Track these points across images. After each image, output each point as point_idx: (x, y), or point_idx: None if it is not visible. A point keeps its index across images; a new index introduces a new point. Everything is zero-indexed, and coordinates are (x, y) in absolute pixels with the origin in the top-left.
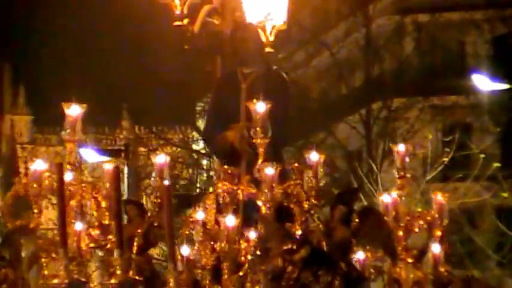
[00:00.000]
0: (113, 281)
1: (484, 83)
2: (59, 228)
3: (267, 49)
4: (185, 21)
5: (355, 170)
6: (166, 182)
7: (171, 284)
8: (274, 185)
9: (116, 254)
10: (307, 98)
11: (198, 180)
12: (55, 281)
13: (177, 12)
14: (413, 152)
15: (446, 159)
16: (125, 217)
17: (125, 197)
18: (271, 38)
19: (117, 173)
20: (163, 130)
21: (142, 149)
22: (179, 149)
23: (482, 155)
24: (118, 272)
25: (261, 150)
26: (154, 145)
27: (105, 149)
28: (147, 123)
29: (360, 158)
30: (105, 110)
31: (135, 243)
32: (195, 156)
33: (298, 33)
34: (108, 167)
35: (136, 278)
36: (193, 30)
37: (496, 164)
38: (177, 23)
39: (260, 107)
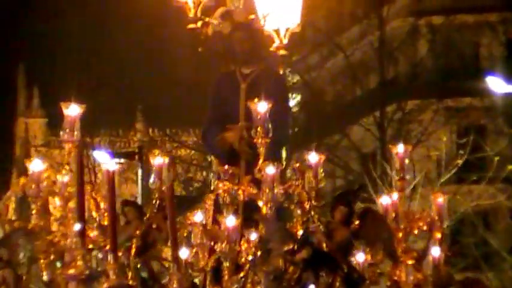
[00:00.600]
0: (105, 285)
1: (498, 84)
2: (77, 218)
3: (281, 52)
4: (199, 23)
5: (369, 172)
6: (168, 183)
7: (174, 285)
8: (275, 185)
9: (109, 258)
10: (321, 100)
11: (212, 182)
12: (71, 271)
13: (191, 14)
14: (427, 154)
15: (460, 161)
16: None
17: (139, 199)
18: (285, 41)
19: (112, 176)
20: (177, 132)
21: (156, 151)
22: (193, 152)
23: (497, 157)
24: (112, 276)
25: (261, 150)
26: (169, 147)
27: (119, 151)
28: (161, 126)
29: (374, 160)
30: (119, 112)
31: (133, 245)
32: (209, 159)
33: (313, 36)
34: (106, 167)
35: (130, 283)
36: (207, 33)
37: (511, 166)
38: (191, 25)
39: (261, 106)
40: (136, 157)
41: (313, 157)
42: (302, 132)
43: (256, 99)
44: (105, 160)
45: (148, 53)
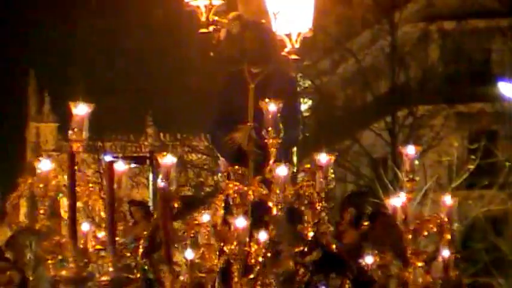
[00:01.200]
0: (104, 278)
1: (509, 90)
2: (69, 219)
3: (293, 56)
4: (210, 28)
5: (380, 177)
6: (162, 184)
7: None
8: (286, 185)
9: (108, 250)
10: (332, 105)
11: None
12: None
13: (203, 19)
14: (438, 159)
15: (471, 166)
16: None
17: (150, 204)
18: (297, 45)
19: (112, 168)
20: (188, 137)
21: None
22: (204, 156)
23: (508, 163)
24: (110, 269)
25: (272, 150)
26: (180, 152)
27: (130, 155)
28: (173, 131)
29: (385, 166)
30: (130, 117)
31: (140, 246)
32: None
33: (324, 41)
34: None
35: (129, 276)
36: (219, 37)
37: None
38: (203, 30)
39: (271, 107)
40: (148, 162)
41: (323, 158)
42: (313, 137)
43: (266, 100)
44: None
45: (159, 58)
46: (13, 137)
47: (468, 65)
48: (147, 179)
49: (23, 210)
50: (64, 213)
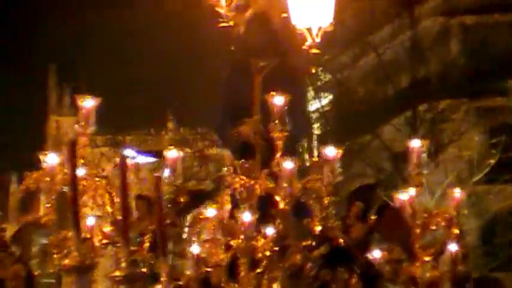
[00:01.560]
0: (117, 273)
1: None
2: (71, 209)
3: (313, 50)
4: (231, 22)
5: (400, 171)
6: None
7: (162, 279)
8: (293, 179)
9: (121, 245)
10: (352, 100)
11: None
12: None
13: (223, 12)
14: (459, 154)
15: (492, 161)
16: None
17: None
18: (318, 39)
19: (125, 163)
20: (208, 131)
21: (188, 150)
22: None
23: None
24: (123, 264)
25: (279, 143)
26: (200, 146)
27: (150, 150)
28: (193, 125)
29: (405, 160)
30: (151, 112)
31: (146, 241)
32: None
33: (344, 35)
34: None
35: (144, 270)
36: (239, 31)
37: None
38: (223, 24)
39: (278, 100)
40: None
41: (330, 151)
42: (333, 131)
43: (273, 92)
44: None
45: (181, 53)
46: (33, 130)
47: (489, 59)
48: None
49: (43, 205)
50: None
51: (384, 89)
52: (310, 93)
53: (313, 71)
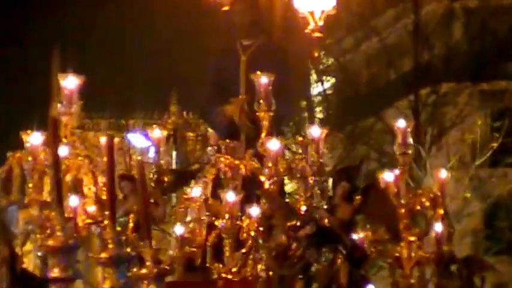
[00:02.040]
0: (103, 255)
1: None
2: (53, 188)
3: (316, 34)
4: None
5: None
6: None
7: (147, 263)
8: (278, 159)
9: (108, 227)
10: (355, 83)
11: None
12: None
13: None
14: (462, 137)
15: (495, 144)
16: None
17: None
18: (321, 23)
19: (112, 144)
20: None
21: (190, 134)
22: None
23: None
24: (110, 246)
25: (265, 123)
26: (203, 130)
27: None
28: (196, 109)
29: None
30: (154, 95)
31: (130, 221)
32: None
33: (347, 19)
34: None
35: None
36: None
37: None
38: (225, 7)
39: (263, 79)
40: (171, 139)
41: (315, 131)
42: (336, 114)
43: (258, 72)
44: (139, 142)
45: (183, 36)
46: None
47: (493, 43)
48: (171, 156)
49: (47, 187)
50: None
51: (387, 72)
52: (313, 77)
53: (316, 54)
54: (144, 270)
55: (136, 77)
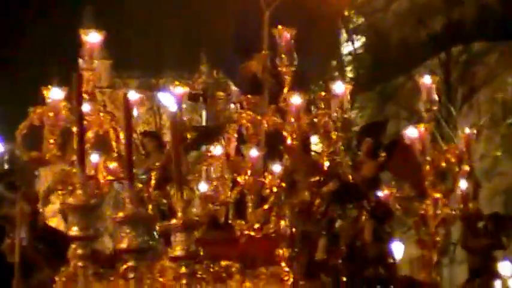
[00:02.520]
0: (120, 214)
1: None
2: (77, 145)
3: None
4: None
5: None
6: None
7: (179, 215)
8: (300, 114)
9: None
10: (386, 43)
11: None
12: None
13: None
14: (493, 96)
15: None
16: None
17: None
18: None
19: (128, 101)
20: None
21: (220, 94)
22: None
23: None
24: (128, 205)
25: (287, 78)
26: (232, 90)
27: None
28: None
29: (439, 102)
30: (184, 55)
31: (152, 177)
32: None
33: None
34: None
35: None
36: None
37: None
38: None
39: (285, 33)
40: (201, 99)
41: (338, 87)
42: (367, 74)
43: (279, 26)
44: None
45: None
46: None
47: None
48: (201, 116)
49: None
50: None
51: (418, 31)
52: (343, 36)
53: (346, 13)
54: (173, 221)
55: (166, 36)
